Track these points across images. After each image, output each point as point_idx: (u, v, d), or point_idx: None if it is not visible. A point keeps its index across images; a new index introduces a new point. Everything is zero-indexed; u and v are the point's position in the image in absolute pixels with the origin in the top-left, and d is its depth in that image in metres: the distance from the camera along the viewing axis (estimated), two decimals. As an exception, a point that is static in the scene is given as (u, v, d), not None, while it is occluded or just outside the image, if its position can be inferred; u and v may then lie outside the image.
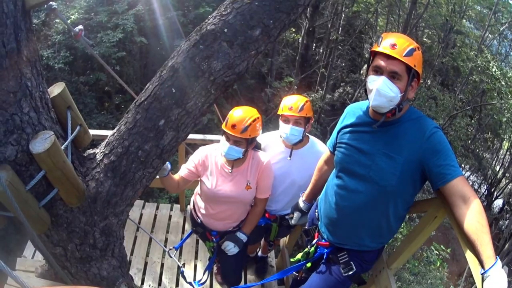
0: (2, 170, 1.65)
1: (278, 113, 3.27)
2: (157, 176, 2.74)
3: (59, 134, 1.98)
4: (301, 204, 3.09)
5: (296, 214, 3.13)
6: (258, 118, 2.97)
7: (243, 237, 3.25)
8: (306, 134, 3.32)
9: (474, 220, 1.92)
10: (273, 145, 3.40)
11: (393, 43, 2.06)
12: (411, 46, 2.06)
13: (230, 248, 3.26)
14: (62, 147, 1.88)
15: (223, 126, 2.93)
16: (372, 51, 2.18)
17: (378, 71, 2.12)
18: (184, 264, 4.57)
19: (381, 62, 2.10)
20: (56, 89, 2.02)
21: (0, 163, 1.71)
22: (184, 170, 3.18)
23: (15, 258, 3.97)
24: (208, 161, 3.12)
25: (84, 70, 9.81)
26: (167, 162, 2.85)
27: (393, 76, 2.08)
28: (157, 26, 10.03)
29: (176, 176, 3.19)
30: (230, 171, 3.06)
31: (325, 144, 3.00)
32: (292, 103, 3.17)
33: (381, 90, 2.08)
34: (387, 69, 2.08)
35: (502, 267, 1.78)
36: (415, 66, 2.06)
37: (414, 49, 2.06)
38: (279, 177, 3.31)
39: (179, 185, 3.20)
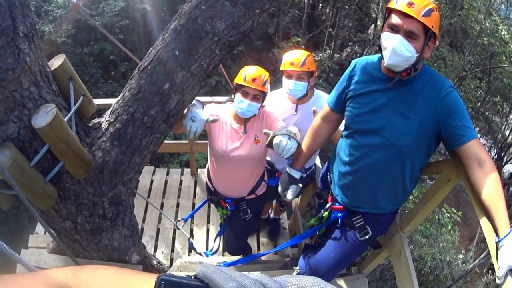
0: (5, 149, 1.63)
1: (280, 69, 3.23)
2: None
3: (62, 106, 1.93)
4: (294, 175, 2.77)
5: (292, 189, 2.74)
6: (269, 74, 2.99)
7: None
8: (311, 87, 3.28)
9: (490, 185, 1.89)
10: (279, 102, 3.36)
11: (410, 2, 1.96)
12: (430, 6, 1.97)
13: (288, 146, 2.60)
14: (66, 118, 1.85)
15: (240, 82, 2.88)
16: (387, 8, 2.08)
17: (394, 29, 2.04)
18: (192, 236, 4.60)
19: (398, 20, 2.01)
20: (56, 62, 1.96)
21: (2, 141, 1.68)
22: None
23: (27, 235, 4.03)
24: (220, 119, 3.06)
25: (88, 41, 9.68)
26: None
27: (409, 36, 2.00)
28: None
29: None
30: (244, 130, 3.00)
31: None
32: (293, 58, 3.13)
33: (397, 50, 2.01)
34: (403, 27, 2.00)
35: None
36: (432, 27, 1.98)
37: (432, 9, 1.98)
38: None
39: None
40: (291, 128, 2.80)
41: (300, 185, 2.78)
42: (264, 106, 3.10)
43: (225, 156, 3.07)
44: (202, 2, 1.93)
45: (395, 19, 2.03)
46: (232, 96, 3.02)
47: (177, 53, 1.97)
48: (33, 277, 0.79)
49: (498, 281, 1.70)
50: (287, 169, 2.82)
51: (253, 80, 2.84)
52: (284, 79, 3.23)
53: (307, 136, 2.79)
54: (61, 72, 1.96)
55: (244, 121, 3.01)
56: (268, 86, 2.96)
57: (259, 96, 2.91)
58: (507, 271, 1.65)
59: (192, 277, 0.63)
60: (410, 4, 1.96)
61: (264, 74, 2.91)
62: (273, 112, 3.11)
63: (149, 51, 2.07)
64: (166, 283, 0.62)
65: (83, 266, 0.81)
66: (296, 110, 3.29)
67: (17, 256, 1.14)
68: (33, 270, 1.21)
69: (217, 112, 3.05)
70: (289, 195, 2.73)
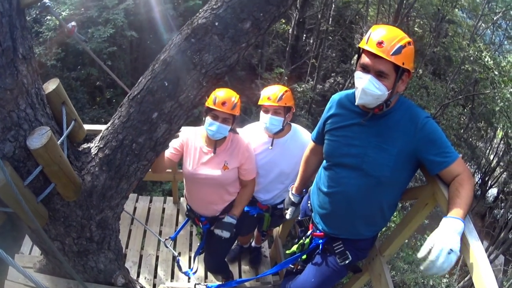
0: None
1: (258, 103, 3.30)
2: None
3: (54, 130, 2.00)
4: (293, 198, 3.09)
5: (291, 209, 3.12)
6: (239, 97, 3.07)
7: (231, 220, 3.25)
8: (288, 122, 3.36)
9: (453, 188, 2.04)
10: (256, 135, 3.43)
11: (380, 41, 2.00)
12: (400, 43, 2.00)
13: (220, 234, 3.26)
14: (58, 142, 1.91)
15: (209, 105, 2.94)
16: (359, 47, 2.13)
17: (365, 68, 2.08)
18: (180, 254, 4.61)
19: (368, 60, 2.05)
20: (51, 85, 2.04)
21: (-2, 160, 1.74)
22: (170, 150, 3.19)
23: (13, 254, 3.99)
24: (189, 143, 3.18)
25: (75, 66, 9.72)
26: None
27: (379, 75, 2.04)
28: (148, 20, 9.95)
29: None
30: (213, 152, 3.09)
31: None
32: (271, 93, 3.21)
33: (367, 90, 2.06)
34: (373, 67, 2.04)
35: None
36: (403, 64, 2.01)
37: (403, 46, 2.00)
38: (264, 166, 3.35)
39: (164, 166, 3.20)
40: None
41: (299, 207, 3.11)
42: (236, 132, 3.20)
43: (192, 175, 3.15)
44: (191, 34, 2.03)
45: (365, 59, 2.07)
46: (204, 118, 3.07)
47: (166, 84, 2.06)
48: None
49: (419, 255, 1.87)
50: (289, 193, 3.15)
51: (223, 103, 2.90)
52: (261, 113, 3.29)
53: (301, 166, 3.03)
54: (55, 96, 2.04)
55: (214, 144, 3.09)
56: (238, 109, 3.02)
57: (229, 119, 2.98)
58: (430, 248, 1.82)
59: None
60: (380, 44, 1.99)
61: (234, 97, 2.99)
62: (250, 145, 3.20)
63: (139, 80, 2.16)
64: None
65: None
66: (272, 145, 3.35)
67: (22, 270, 1.18)
68: (26, 274, 1.25)
69: (186, 136, 3.19)
70: (288, 215, 3.15)
